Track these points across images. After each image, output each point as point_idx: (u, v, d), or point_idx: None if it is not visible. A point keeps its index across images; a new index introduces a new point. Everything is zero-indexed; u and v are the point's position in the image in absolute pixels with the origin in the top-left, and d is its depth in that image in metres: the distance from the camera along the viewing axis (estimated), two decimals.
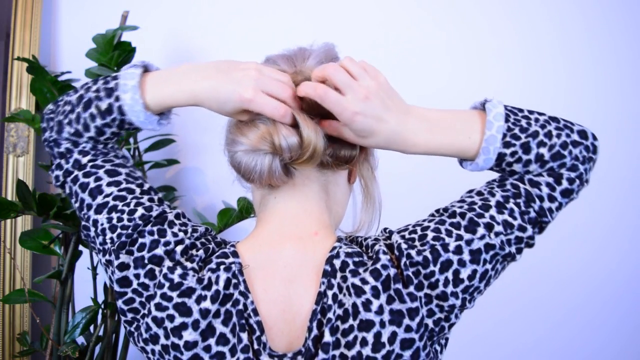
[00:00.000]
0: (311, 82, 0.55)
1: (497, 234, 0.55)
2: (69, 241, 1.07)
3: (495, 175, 0.62)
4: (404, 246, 0.55)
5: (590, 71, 1.33)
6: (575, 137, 0.59)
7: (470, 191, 0.61)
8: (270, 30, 1.29)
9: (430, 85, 1.31)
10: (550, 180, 0.57)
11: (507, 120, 0.57)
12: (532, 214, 0.57)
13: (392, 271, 0.53)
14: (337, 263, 0.55)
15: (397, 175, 1.19)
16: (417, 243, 0.55)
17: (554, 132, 0.58)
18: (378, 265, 0.53)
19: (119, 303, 0.56)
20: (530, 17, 1.33)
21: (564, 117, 0.61)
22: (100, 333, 1.07)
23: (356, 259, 0.55)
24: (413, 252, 0.54)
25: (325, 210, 0.62)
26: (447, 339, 0.58)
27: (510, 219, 0.56)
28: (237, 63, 0.56)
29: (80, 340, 1.12)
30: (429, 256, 0.54)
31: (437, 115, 0.58)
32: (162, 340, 0.53)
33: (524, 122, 0.57)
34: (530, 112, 0.59)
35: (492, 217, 0.56)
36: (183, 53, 1.30)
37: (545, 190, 0.57)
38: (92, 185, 0.58)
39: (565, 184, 0.58)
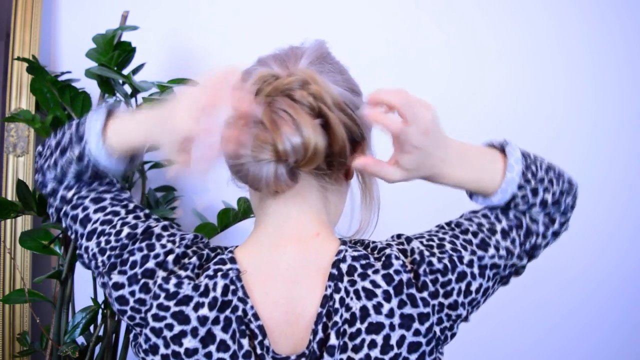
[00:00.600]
0: (372, 109, 0.52)
1: (500, 257, 0.59)
2: (69, 241, 1.07)
3: None
4: (426, 253, 0.56)
5: (589, 71, 1.33)
6: (567, 185, 0.64)
7: (475, 212, 0.64)
8: (270, 30, 1.29)
9: (431, 86, 1.31)
10: (546, 220, 0.63)
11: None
12: (527, 247, 0.62)
13: (405, 276, 0.54)
14: (344, 267, 0.55)
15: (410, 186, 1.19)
16: (436, 251, 0.57)
17: (555, 180, 0.62)
18: (390, 270, 0.54)
19: (124, 319, 0.56)
20: (530, 18, 1.33)
21: (555, 163, 0.66)
22: (100, 333, 1.07)
23: (363, 262, 0.56)
24: (434, 260, 0.56)
25: (324, 210, 0.62)
26: (442, 353, 0.59)
27: (511, 247, 0.60)
28: (171, 102, 0.55)
29: (80, 340, 1.12)
30: (448, 265, 0.56)
31: (467, 150, 0.59)
32: (162, 350, 0.53)
33: (533, 168, 0.61)
34: (535, 157, 0.63)
35: (497, 241, 0.59)
36: (183, 53, 1.30)
37: (541, 228, 0.62)
38: (81, 215, 0.60)
39: (556, 226, 0.64)
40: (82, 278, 1.13)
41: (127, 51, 1.04)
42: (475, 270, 0.57)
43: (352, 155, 0.60)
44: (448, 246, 0.57)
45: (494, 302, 1.32)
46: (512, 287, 1.31)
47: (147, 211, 0.62)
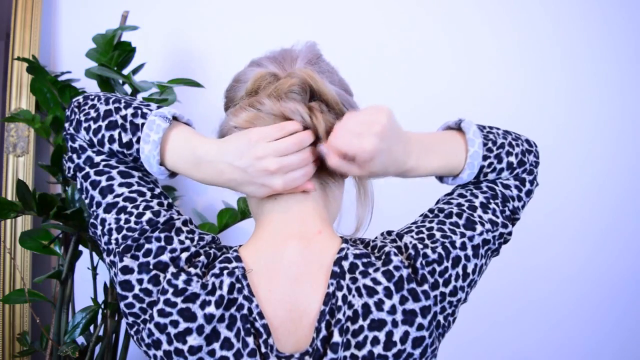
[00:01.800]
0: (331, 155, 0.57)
1: (487, 231, 0.60)
2: (69, 241, 1.07)
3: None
4: (419, 246, 0.57)
5: (590, 71, 1.33)
6: (526, 145, 0.67)
7: (449, 194, 0.66)
8: (270, 30, 1.29)
9: (432, 86, 1.31)
10: (517, 183, 0.66)
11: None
12: (507, 212, 0.64)
13: (405, 272, 0.55)
14: (345, 265, 0.56)
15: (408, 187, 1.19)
16: (428, 242, 0.58)
17: (514, 143, 0.66)
18: (390, 267, 0.55)
19: (121, 305, 0.56)
20: (531, 18, 1.33)
21: (509, 129, 0.69)
22: (100, 333, 1.07)
23: (365, 260, 0.56)
24: (429, 251, 0.56)
25: (325, 208, 0.63)
26: (440, 342, 0.60)
27: (494, 218, 0.62)
28: (253, 152, 0.55)
29: (80, 340, 1.12)
30: (442, 253, 0.57)
31: (427, 139, 0.62)
32: (165, 346, 0.53)
33: (492, 137, 0.64)
34: (490, 127, 0.67)
35: (480, 217, 0.61)
36: (183, 53, 1.30)
37: (514, 191, 0.65)
38: (104, 184, 0.58)
39: (527, 185, 0.66)
40: (82, 278, 1.13)
41: (127, 51, 1.04)
42: (469, 251, 0.58)
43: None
44: (438, 234, 0.58)
45: (494, 302, 1.32)
46: (511, 288, 1.32)
47: (170, 200, 0.61)
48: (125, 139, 0.58)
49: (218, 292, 0.53)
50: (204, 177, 0.58)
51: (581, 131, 1.34)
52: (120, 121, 0.58)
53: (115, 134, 0.58)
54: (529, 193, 0.67)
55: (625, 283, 1.35)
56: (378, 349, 0.52)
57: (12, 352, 1.19)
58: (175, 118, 0.60)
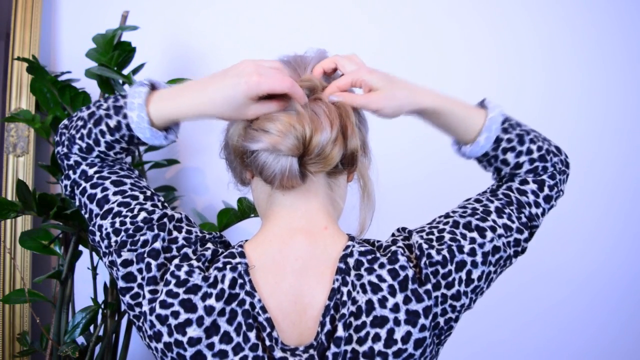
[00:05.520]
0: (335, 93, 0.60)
1: (499, 236, 0.60)
2: (69, 241, 1.07)
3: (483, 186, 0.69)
4: (425, 246, 0.58)
5: (602, 73, 1.33)
6: (553, 149, 0.67)
7: (467, 200, 0.67)
8: (270, 29, 1.29)
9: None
10: (535, 187, 0.65)
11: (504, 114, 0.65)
12: (524, 219, 0.63)
13: (410, 272, 0.56)
14: (351, 261, 0.57)
15: (407, 184, 1.19)
16: (435, 243, 0.58)
17: (540, 137, 0.67)
18: (396, 266, 0.56)
19: (126, 299, 0.57)
20: (532, 17, 1.33)
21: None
22: (100, 333, 1.07)
23: (369, 257, 0.57)
24: (433, 252, 0.57)
25: (330, 205, 0.64)
26: (442, 345, 0.60)
27: (509, 222, 0.62)
28: (231, 66, 0.57)
29: (80, 340, 1.12)
30: (447, 255, 0.57)
31: (449, 97, 0.64)
32: (165, 338, 0.54)
33: (513, 121, 0.66)
34: (519, 121, 0.68)
35: (494, 221, 0.61)
36: (183, 53, 1.30)
37: (531, 197, 0.64)
38: (99, 195, 0.61)
39: (546, 190, 0.65)
40: (82, 278, 1.13)
41: (127, 51, 1.04)
42: (478, 258, 0.58)
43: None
44: (447, 237, 0.59)
45: (493, 302, 1.32)
46: (524, 292, 1.32)
47: (162, 199, 0.64)
48: (112, 123, 0.59)
49: (219, 286, 0.55)
50: (190, 96, 0.57)
51: (593, 132, 1.33)
52: (103, 113, 0.60)
53: (103, 126, 0.60)
54: (548, 199, 0.65)
55: (637, 285, 1.36)
56: (379, 346, 0.53)
57: (12, 352, 1.19)
58: (152, 85, 0.61)
